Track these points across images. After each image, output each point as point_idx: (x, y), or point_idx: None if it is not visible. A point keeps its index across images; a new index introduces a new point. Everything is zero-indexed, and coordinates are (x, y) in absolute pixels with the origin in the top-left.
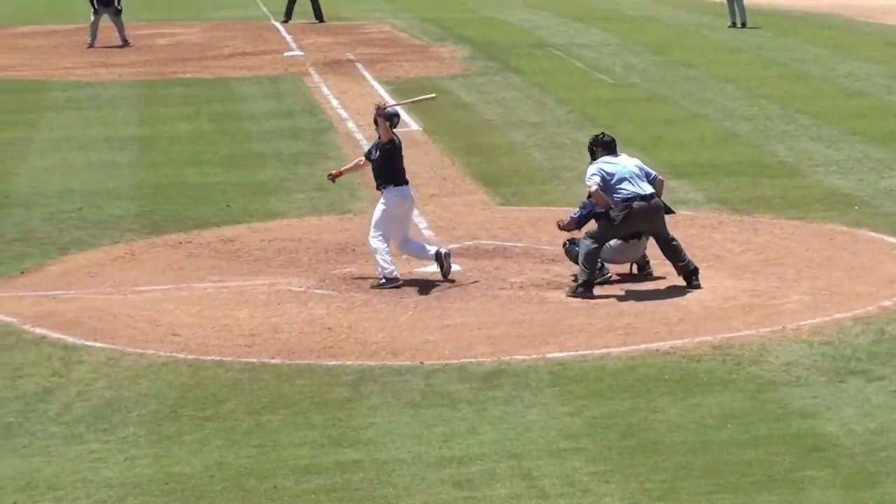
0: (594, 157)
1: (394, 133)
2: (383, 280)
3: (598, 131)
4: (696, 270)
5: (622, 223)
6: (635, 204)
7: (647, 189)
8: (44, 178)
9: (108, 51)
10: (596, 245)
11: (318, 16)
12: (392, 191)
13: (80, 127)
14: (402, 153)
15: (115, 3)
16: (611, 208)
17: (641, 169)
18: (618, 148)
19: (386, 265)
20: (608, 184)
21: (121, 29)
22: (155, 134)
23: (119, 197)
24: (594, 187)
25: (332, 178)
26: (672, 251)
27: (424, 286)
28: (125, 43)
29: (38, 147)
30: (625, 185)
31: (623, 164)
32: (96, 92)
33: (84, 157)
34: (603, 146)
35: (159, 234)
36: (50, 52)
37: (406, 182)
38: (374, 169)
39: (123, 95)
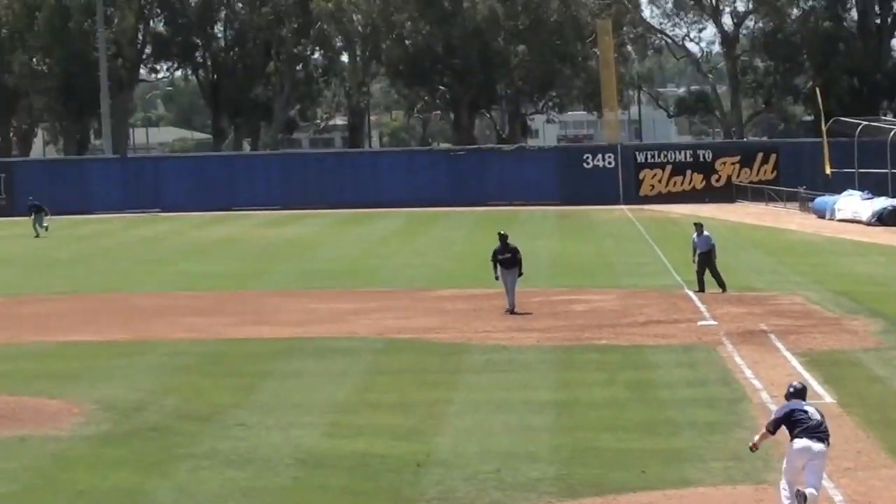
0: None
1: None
2: None
3: None
4: None
5: None
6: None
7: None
8: (463, 438)
9: (525, 316)
10: None
11: (720, 284)
12: (788, 444)
13: (498, 390)
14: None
15: (517, 264)
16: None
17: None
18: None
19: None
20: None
21: (512, 294)
22: (571, 399)
23: (536, 460)
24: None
25: (753, 448)
26: None
27: None
28: (510, 309)
29: (458, 408)
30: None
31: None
32: (514, 356)
33: (502, 420)
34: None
35: (576, 498)
36: (470, 316)
37: (800, 436)
38: None
39: (540, 360)
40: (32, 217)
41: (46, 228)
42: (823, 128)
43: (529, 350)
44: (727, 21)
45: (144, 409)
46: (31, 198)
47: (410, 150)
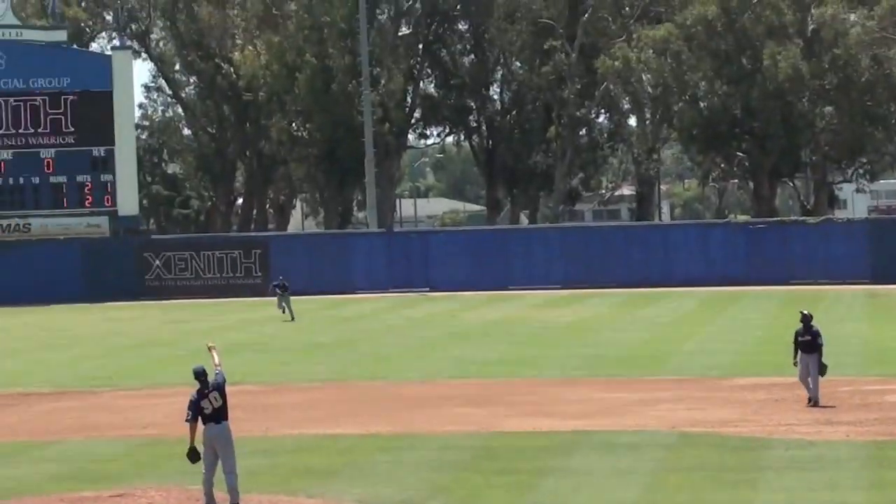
0: None
1: None
2: None
3: None
4: None
5: None
6: None
7: None
8: None
9: (830, 408)
10: None
11: None
12: None
13: (803, 490)
14: None
15: (816, 349)
16: None
17: None
18: None
19: None
20: None
21: (815, 383)
22: (886, 501)
23: None
24: None
25: None
26: None
27: None
28: (813, 401)
29: None
30: None
31: None
32: (821, 452)
33: None
34: None
35: None
36: (771, 407)
37: None
38: None
39: (851, 456)
40: (278, 297)
41: (283, 311)
42: None
43: (838, 446)
44: None
45: None
46: (280, 277)
47: (705, 223)
